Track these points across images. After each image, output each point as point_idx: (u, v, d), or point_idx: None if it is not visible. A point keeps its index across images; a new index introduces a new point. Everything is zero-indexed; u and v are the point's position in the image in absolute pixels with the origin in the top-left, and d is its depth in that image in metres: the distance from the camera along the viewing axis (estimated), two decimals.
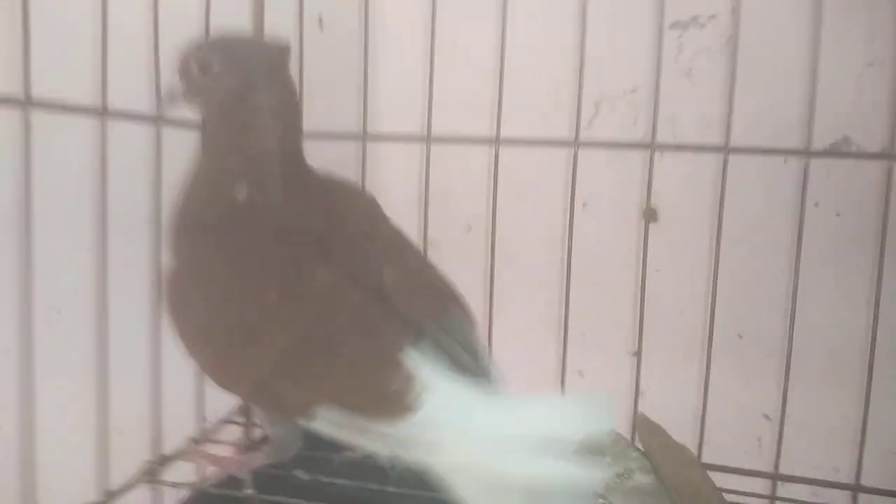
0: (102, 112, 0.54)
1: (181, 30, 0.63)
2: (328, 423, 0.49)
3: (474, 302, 0.58)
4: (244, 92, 0.50)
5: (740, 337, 0.84)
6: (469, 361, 0.50)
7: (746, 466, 0.67)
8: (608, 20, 0.83)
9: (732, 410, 0.79)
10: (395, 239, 0.57)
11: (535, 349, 0.81)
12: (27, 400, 0.49)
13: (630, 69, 0.84)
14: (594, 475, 0.43)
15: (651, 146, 0.65)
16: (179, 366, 0.59)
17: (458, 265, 0.61)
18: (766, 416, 0.82)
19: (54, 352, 0.56)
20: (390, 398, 0.46)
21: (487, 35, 0.71)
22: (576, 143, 0.67)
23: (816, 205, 0.79)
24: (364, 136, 0.74)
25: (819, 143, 0.69)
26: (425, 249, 0.72)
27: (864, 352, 0.64)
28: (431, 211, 0.74)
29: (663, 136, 0.72)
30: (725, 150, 0.64)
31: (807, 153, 0.63)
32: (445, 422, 0.45)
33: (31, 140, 0.47)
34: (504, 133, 0.69)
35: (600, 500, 0.54)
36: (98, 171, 0.55)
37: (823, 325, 0.79)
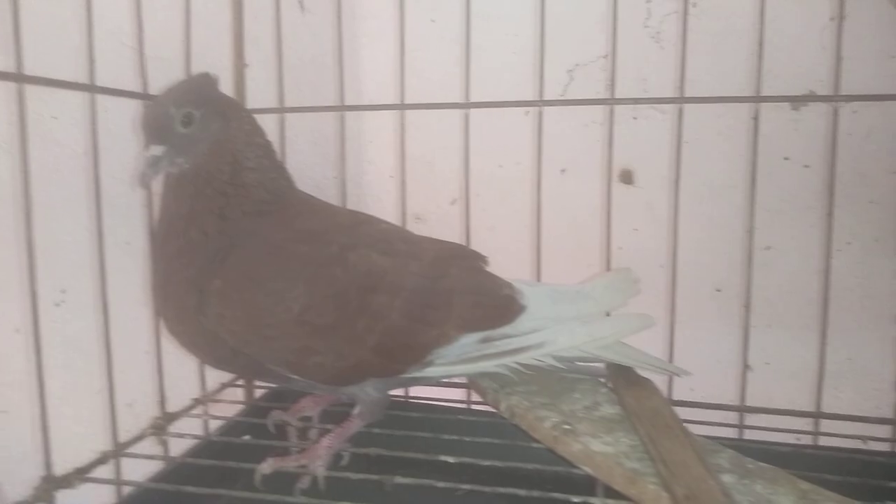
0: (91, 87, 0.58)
1: (163, 13, 0.67)
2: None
3: None
4: (226, 126, 0.55)
5: (718, 290, 0.87)
6: None
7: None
8: None
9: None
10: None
11: None
12: (38, 373, 0.53)
13: (602, 36, 0.87)
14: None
15: (610, 100, 0.70)
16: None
17: (448, 237, 0.66)
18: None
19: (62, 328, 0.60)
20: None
21: (459, 8, 0.74)
22: (540, 102, 0.71)
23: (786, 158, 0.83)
24: (342, 107, 0.79)
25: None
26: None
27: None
28: (419, 187, 0.79)
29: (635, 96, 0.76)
30: (681, 100, 0.68)
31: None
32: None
33: (26, 116, 0.51)
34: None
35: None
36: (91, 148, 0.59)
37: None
